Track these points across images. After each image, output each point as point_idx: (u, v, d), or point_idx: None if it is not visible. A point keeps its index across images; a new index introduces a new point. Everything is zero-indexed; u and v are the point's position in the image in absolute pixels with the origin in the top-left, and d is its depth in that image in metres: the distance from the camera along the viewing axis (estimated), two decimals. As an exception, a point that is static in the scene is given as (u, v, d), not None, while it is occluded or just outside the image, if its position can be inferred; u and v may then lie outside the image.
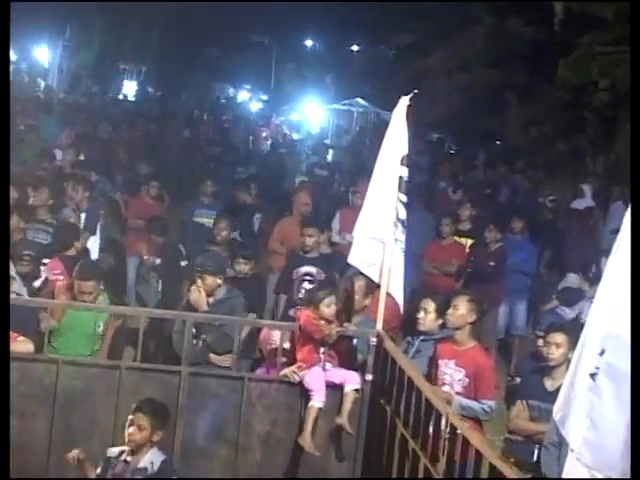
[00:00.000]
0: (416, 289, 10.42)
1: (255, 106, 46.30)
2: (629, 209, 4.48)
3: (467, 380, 7.68)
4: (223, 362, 7.95)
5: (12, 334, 6.83)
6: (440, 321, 8.18)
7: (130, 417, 6.65)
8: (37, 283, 9.18)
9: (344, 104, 39.91)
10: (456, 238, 13.11)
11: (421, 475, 6.13)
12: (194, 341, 7.86)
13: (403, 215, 7.43)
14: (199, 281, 8.15)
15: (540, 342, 8.19)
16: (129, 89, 42.88)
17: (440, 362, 7.83)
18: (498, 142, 26.76)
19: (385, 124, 7.82)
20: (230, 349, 7.88)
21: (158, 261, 11.46)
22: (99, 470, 6.66)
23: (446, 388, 7.65)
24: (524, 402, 7.80)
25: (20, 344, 7.37)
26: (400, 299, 7.56)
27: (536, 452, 7.44)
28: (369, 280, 7.93)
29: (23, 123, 18.43)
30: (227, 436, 7.49)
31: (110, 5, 34.19)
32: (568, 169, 22.09)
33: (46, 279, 9.27)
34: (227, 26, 39.87)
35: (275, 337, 7.84)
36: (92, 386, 7.39)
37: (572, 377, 4.58)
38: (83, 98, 32.21)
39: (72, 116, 23.97)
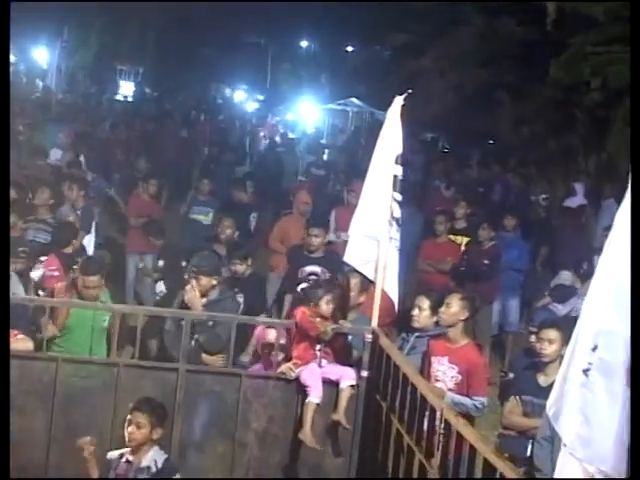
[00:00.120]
0: (406, 286, 10.41)
1: (251, 106, 46.30)
2: (621, 207, 4.49)
3: (460, 377, 7.68)
4: (215, 362, 7.94)
5: (11, 332, 6.82)
6: (434, 318, 8.18)
7: (128, 417, 6.62)
8: (35, 276, 9.17)
9: (339, 104, 39.92)
10: (451, 236, 13.12)
11: (416, 470, 6.14)
12: (182, 343, 7.86)
13: (397, 213, 7.43)
14: (194, 281, 8.15)
15: (533, 338, 8.19)
16: (126, 89, 42.83)
17: (433, 359, 7.83)
18: (491, 141, 26.78)
19: (380, 124, 7.83)
20: (222, 349, 7.89)
21: (161, 263, 11.45)
22: (97, 475, 6.62)
23: (439, 384, 7.66)
24: (518, 398, 7.81)
25: (20, 342, 7.37)
26: (395, 296, 7.56)
27: (529, 447, 7.46)
28: (364, 277, 7.93)
29: (22, 123, 18.39)
30: (224, 432, 7.49)
31: (108, 6, 34.17)
32: (560, 167, 22.09)
33: (43, 275, 9.28)
34: (223, 27, 39.86)
35: (270, 335, 7.84)
36: (91, 383, 7.38)
37: (565, 373, 4.58)
38: (81, 98, 32.17)
39: (70, 116, 23.94)
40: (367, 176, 7.62)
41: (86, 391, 7.35)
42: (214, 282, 8.21)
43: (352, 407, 7.40)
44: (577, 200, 17.62)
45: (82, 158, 16.67)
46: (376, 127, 8.54)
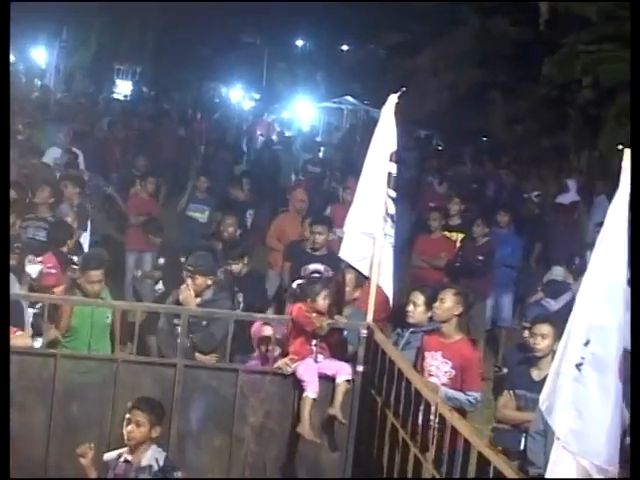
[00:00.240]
0: (400, 282, 10.40)
1: (248, 104, 46.30)
2: (613, 203, 4.49)
3: (453, 372, 7.69)
4: (208, 361, 7.92)
5: (11, 328, 6.81)
6: (429, 314, 8.18)
7: (127, 416, 6.53)
8: (34, 273, 9.15)
9: (334, 102, 39.91)
10: (446, 233, 13.12)
11: (411, 464, 6.14)
12: (179, 340, 7.85)
13: (392, 210, 7.43)
14: (189, 280, 8.14)
15: (526, 333, 8.20)
16: (124, 89, 42.77)
17: (427, 354, 7.83)
18: (485, 139, 26.79)
19: (375, 121, 7.82)
20: (215, 349, 7.88)
21: (162, 260, 11.45)
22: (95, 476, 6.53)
23: (432, 379, 7.66)
24: (511, 392, 7.81)
25: (19, 338, 7.36)
26: (390, 292, 7.56)
27: (523, 441, 7.46)
28: (359, 273, 7.93)
29: (21, 123, 18.36)
30: (221, 427, 7.48)
31: (106, 6, 34.11)
32: (553, 164, 22.10)
33: (40, 272, 9.26)
34: (220, 27, 39.84)
35: (267, 331, 7.83)
36: (90, 379, 7.38)
37: (558, 367, 4.58)
38: (80, 98, 32.13)
39: (69, 116, 23.90)
40: (362, 173, 7.61)
41: (85, 387, 7.34)
42: (209, 282, 8.21)
43: (348, 402, 7.40)
44: (569, 197, 17.64)
45: (81, 157, 16.65)
46: (371, 125, 8.53)
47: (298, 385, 7.40)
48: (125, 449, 6.59)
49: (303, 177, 19.08)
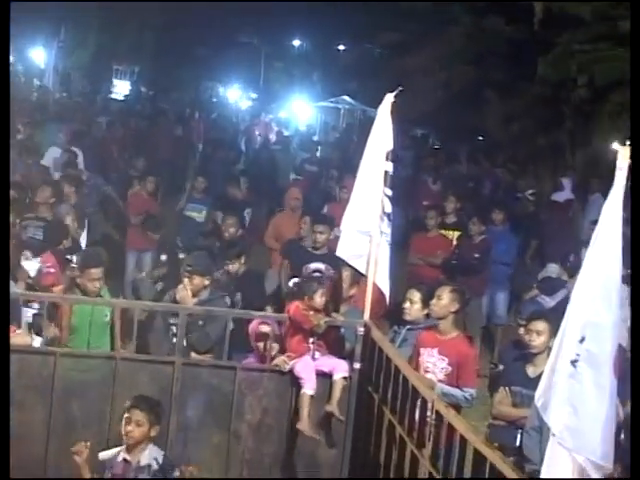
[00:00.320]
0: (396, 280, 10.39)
1: (245, 104, 46.28)
2: (607, 201, 4.48)
3: (450, 368, 7.68)
4: (202, 362, 7.90)
5: (10, 327, 6.80)
6: (425, 311, 8.19)
7: (126, 415, 6.47)
8: (32, 271, 9.15)
9: (331, 101, 39.93)
10: (442, 231, 13.12)
11: (408, 460, 6.14)
12: (174, 340, 7.85)
13: (388, 208, 7.43)
14: (186, 280, 8.13)
15: (522, 330, 8.19)
16: (122, 88, 42.76)
17: (423, 350, 7.83)
18: (481, 137, 26.78)
19: (371, 121, 7.81)
20: (210, 348, 7.87)
21: (164, 257, 11.45)
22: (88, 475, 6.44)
23: (429, 375, 7.66)
24: (507, 388, 7.80)
25: (18, 337, 7.35)
26: (386, 290, 7.56)
27: (519, 437, 7.45)
28: (355, 270, 7.93)
29: (20, 123, 18.35)
30: (219, 424, 7.48)
31: (103, 6, 34.09)
32: (548, 163, 22.12)
33: (39, 271, 9.26)
34: (217, 27, 39.80)
35: (264, 328, 7.82)
36: (89, 377, 7.36)
37: (553, 364, 4.58)
38: (78, 98, 32.11)
39: (68, 115, 23.89)
40: (359, 172, 7.61)
41: (84, 385, 7.33)
42: (206, 282, 8.20)
43: (345, 398, 7.41)
44: (564, 195, 17.66)
45: (80, 156, 16.65)
46: (367, 124, 8.52)
47: (296, 382, 7.41)
48: (120, 448, 6.53)
49: (301, 176, 19.07)
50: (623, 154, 4.47)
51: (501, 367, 9.34)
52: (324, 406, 7.35)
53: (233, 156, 22.10)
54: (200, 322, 7.92)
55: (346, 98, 38.53)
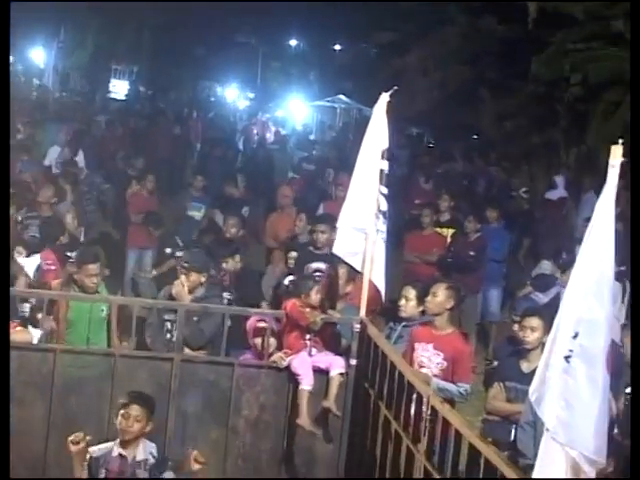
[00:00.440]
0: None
1: (242, 103, 46.29)
2: (600, 199, 4.48)
3: (445, 363, 7.68)
4: (201, 358, 7.89)
5: (10, 323, 6.79)
6: (421, 308, 8.19)
7: (124, 411, 6.39)
8: (30, 269, 9.13)
9: (327, 101, 39.93)
10: (437, 229, 13.13)
11: (403, 454, 6.14)
12: (168, 335, 7.84)
13: (384, 207, 7.42)
14: (183, 277, 8.11)
15: (516, 327, 8.19)
16: (121, 88, 42.75)
17: (417, 345, 7.83)
18: (475, 136, 26.78)
19: (367, 120, 7.81)
20: (203, 345, 7.86)
21: (169, 250, 11.45)
22: (85, 471, 6.33)
23: (424, 370, 7.66)
24: (501, 384, 7.80)
25: (18, 334, 7.35)
26: (382, 287, 7.55)
27: (513, 432, 7.46)
28: (351, 268, 7.92)
29: (20, 122, 18.34)
30: (217, 420, 7.48)
31: (102, 7, 34.06)
32: (542, 161, 22.11)
33: (39, 268, 9.25)
34: (215, 27, 39.79)
35: (262, 325, 7.82)
36: (88, 373, 7.36)
37: (547, 359, 4.58)
38: (78, 97, 32.11)
39: (68, 115, 23.89)
40: (355, 170, 7.61)
41: (84, 381, 7.33)
42: (203, 279, 8.19)
43: (342, 394, 7.41)
44: (558, 193, 17.69)
45: (81, 155, 16.67)
46: (363, 123, 8.53)
47: (293, 378, 7.41)
48: (112, 443, 6.44)
49: (298, 175, 19.07)
50: (616, 152, 4.47)
51: (495, 363, 9.35)
52: (321, 402, 7.35)
53: (231, 155, 22.12)
54: (194, 318, 7.89)
55: (342, 97, 38.53)
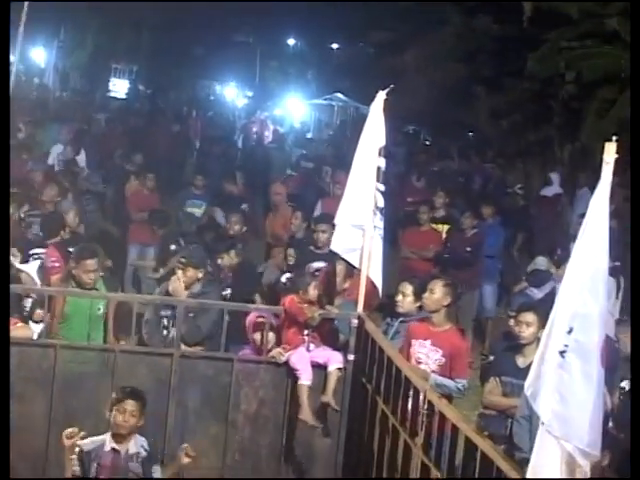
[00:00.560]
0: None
1: (241, 102, 46.26)
2: (595, 195, 4.48)
3: (443, 359, 7.68)
4: (200, 354, 7.88)
5: (11, 320, 6.78)
6: (418, 303, 8.19)
7: (118, 405, 6.37)
8: (34, 269, 9.11)
9: (325, 99, 39.93)
10: (433, 225, 13.14)
11: (401, 449, 6.14)
12: (164, 332, 7.82)
13: (381, 203, 7.42)
14: (180, 272, 8.09)
15: (512, 322, 8.19)
16: (121, 87, 42.72)
17: (414, 342, 7.82)
18: (471, 133, 26.79)
19: (364, 117, 7.81)
20: (200, 341, 7.84)
21: (173, 247, 11.43)
22: (77, 468, 6.29)
23: (422, 366, 7.66)
24: (497, 378, 7.81)
25: (19, 330, 7.34)
26: (379, 283, 7.55)
27: (509, 425, 7.46)
28: (348, 264, 7.92)
29: (22, 121, 18.32)
30: (217, 415, 7.48)
31: (102, 7, 34.01)
32: (537, 158, 22.12)
33: (42, 266, 9.23)
34: (214, 27, 39.76)
35: (262, 319, 7.81)
36: (88, 369, 7.35)
37: (542, 354, 4.58)
38: (78, 96, 32.07)
39: (68, 114, 23.85)
40: (352, 168, 7.60)
41: (84, 377, 7.32)
42: (200, 275, 8.17)
43: (340, 389, 7.41)
44: (553, 189, 17.70)
45: (83, 154, 16.67)
46: (360, 121, 8.53)
47: (291, 374, 7.41)
48: (103, 437, 6.41)
49: (297, 172, 19.07)
50: (610, 149, 4.46)
51: (492, 358, 9.34)
52: (319, 397, 7.35)
53: (230, 153, 22.13)
54: (191, 314, 7.85)
55: (339, 96, 38.52)
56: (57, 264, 9.33)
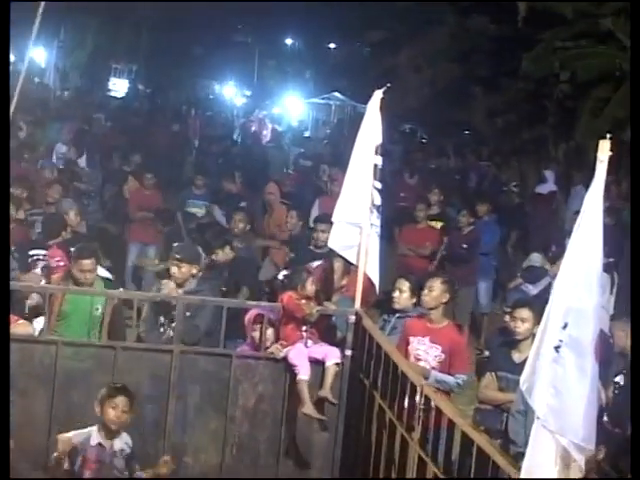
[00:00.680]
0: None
1: (239, 101, 46.25)
2: (589, 192, 4.48)
3: (443, 356, 7.68)
4: (199, 350, 7.84)
5: (12, 317, 6.78)
6: (414, 300, 8.20)
7: (110, 401, 6.38)
8: (37, 271, 9.12)
9: (322, 98, 39.96)
10: (430, 223, 13.16)
11: (398, 443, 6.15)
12: (161, 329, 7.81)
13: (378, 201, 7.42)
14: (175, 269, 8.05)
15: (507, 318, 8.19)
16: (121, 86, 42.69)
17: (412, 339, 7.82)
18: (466, 132, 26.79)
19: (361, 116, 7.81)
20: (197, 340, 7.82)
21: (176, 244, 11.44)
22: (67, 464, 6.26)
23: (422, 363, 7.66)
24: (493, 374, 7.81)
25: (20, 327, 7.33)
26: (376, 280, 7.56)
27: (504, 420, 7.47)
28: (345, 261, 7.93)
29: (22, 120, 18.31)
30: (216, 410, 7.48)
31: (102, 7, 33.98)
32: (532, 156, 22.12)
33: (46, 267, 9.21)
34: (212, 27, 39.75)
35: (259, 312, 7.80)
36: (89, 366, 7.34)
37: (537, 349, 4.58)
38: (79, 96, 32.03)
39: (69, 113, 23.83)
40: (349, 166, 7.61)
41: (85, 373, 7.31)
42: (194, 271, 8.13)
43: (337, 384, 7.41)
44: (548, 187, 17.70)
45: (84, 153, 16.67)
46: (358, 119, 8.53)
47: (290, 369, 7.41)
48: (89, 430, 6.41)
49: (295, 171, 19.07)
50: (604, 147, 4.46)
51: (487, 353, 9.35)
52: (317, 392, 7.35)
53: (228, 151, 22.11)
54: (187, 313, 7.73)
55: (337, 94, 38.55)
56: (62, 263, 9.30)
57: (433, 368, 7.65)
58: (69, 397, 7.24)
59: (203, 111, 32.81)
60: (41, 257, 9.43)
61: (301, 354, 7.39)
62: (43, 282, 8.72)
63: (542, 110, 21.09)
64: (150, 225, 13.04)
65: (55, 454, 6.29)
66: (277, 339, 7.59)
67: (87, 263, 8.12)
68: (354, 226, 7.51)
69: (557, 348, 4.43)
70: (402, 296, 8.23)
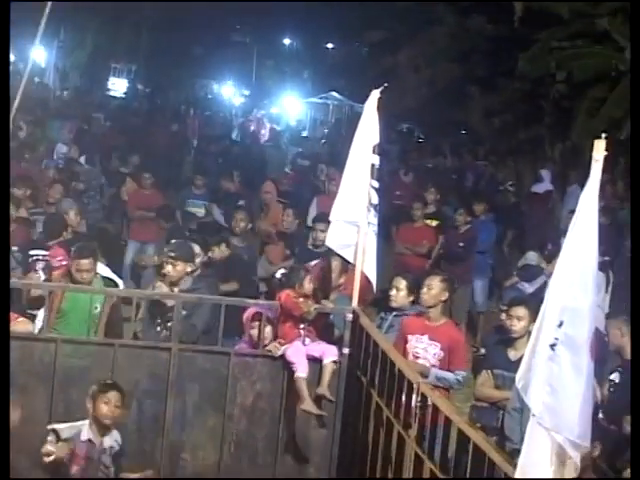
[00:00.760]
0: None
1: (238, 100, 46.29)
2: (584, 191, 4.48)
3: (442, 353, 7.68)
4: (198, 348, 7.82)
5: (12, 315, 6.77)
6: (411, 298, 8.20)
7: (103, 396, 6.38)
8: (37, 272, 9.11)
9: (320, 98, 39.98)
10: (427, 221, 13.17)
11: (395, 440, 6.15)
12: (158, 328, 7.80)
13: (375, 200, 7.42)
14: (169, 267, 8.02)
15: (503, 316, 8.20)
16: (120, 86, 42.69)
17: (410, 337, 7.82)
18: (463, 131, 26.81)
19: (358, 116, 7.81)
20: (195, 340, 7.82)
21: (174, 240, 11.42)
22: (53, 449, 6.21)
23: (421, 361, 7.66)
24: (489, 371, 7.82)
25: (20, 324, 7.33)
26: (373, 278, 7.56)
27: (500, 417, 7.47)
28: (343, 259, 7.93)
29: (22, 120, 18.30)
30: (214, 407, 7.47)
31: (102, 7, 33.98)
32: (528, 156, 22.14)
33: (47, 266, 9.20)
34: (211, 27, 39.75)
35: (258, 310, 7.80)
36: (88, 363, 7.34)
37: (533, 347, 4.58)
38: (78, 95, 32.02)
39: (68, 113, 23.82)
40: (346, 165, 7.61)
41: (84, 371, 7.30)
42: (189, 269, 8.11)
43: (334, 382, 7.41)
44: (544, 186, 17.71)
45: (76, 152, 16.65)
46: (355, 119, 8.54)
47: (287, 367, 7.41)
48: (79, 425, 6.40)
49: (293, 170, 19.07)
50: (599, 147, 4.46)
51: (483, 351, 9.35)
52: (315, 390, 7.35)
53: (227, 151, 22.12)
54: (184, 312, 7.70)
55: (334, 94, 38.57)
56: (64, 262, 9.29)
57: (433, 366, 7.65)
58: (68, 394, 7.24)
59: (202, 111, 32.84)
60: (41, 257, 9.42)
61: (299, 352, 7.39)
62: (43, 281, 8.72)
63: (538, 110, 21.10)
64: (150, 223, 13.01)
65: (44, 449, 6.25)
66: (275, 337, 7.59)
67: (85, 263, 8.12)
68: (352, 225, 7.50)
69: (553, 346, 4.42)
70: (399, 294, 8.24)
